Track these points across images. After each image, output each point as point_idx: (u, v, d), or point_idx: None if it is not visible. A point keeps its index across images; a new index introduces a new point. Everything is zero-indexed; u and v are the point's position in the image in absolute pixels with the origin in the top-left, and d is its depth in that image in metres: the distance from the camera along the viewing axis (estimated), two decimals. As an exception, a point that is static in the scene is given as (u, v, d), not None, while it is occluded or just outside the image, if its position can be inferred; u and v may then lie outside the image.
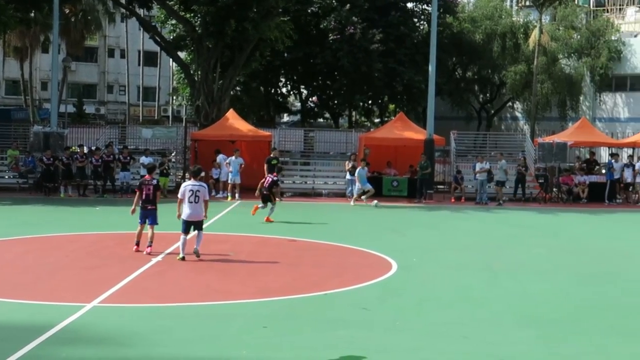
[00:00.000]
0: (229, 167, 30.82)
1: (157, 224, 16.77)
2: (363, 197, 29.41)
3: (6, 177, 34.22)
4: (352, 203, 29.39)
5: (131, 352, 9.28)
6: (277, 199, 23.74)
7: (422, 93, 41.06)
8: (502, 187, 31.86)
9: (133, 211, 16.89)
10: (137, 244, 16.70)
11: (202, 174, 17.10)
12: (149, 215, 16.72)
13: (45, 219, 23.89)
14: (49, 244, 18.29)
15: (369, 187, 29.60)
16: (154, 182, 17.07)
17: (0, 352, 8.93)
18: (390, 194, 32.64)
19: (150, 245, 16.35)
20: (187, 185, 16.14)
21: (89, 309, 11.33)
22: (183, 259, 15.58)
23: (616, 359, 9.52)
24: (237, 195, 30.28)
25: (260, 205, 22.87)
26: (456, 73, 53.08)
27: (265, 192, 22.66)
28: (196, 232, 16.08)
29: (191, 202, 15.87)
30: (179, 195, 16.09)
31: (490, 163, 32.50)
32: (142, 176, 31.32)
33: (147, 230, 16.62)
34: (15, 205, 27.61)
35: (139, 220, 16.81)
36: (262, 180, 23.17)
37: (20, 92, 66.95)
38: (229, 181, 31.07)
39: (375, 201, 29.17)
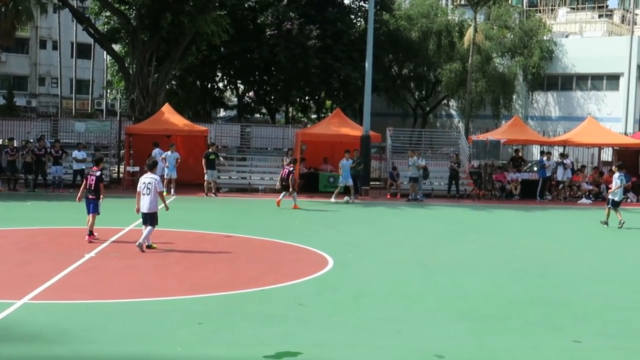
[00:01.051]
0: (165, 162, 30.45)
1: (98, 213, 17.43)
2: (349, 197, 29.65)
3: None
4: (332, 199, 29.71)
5: (63, 350, 9.12)
6: (295, 187, 26.72)
7: (359, 89, 41.25)
8: (415, 182, 32.07)
9: (79, 199, 18.15)
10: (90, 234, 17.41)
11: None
12: (90, 204, 17.39)
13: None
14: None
15: (350, 182, 29.81)
16: (98, 173, 17.55)
17: None
18: (326, 190, 32.73)
19: (90, 234, 17.12)
20: (142, 178, 16.66)
21: (19, 305, 11.11)
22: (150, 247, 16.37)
23: (546, 353, 9.73)
24: (172, 190, 29.93)
25: (282, 195, 26.44)
26: (392, 70, 53.53)
27: (284, 183, 26.36)
28: (146, 225, 16.34)
29: (144, 195, 16.32)
30: (138, 189, 16.59)
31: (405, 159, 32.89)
32: (75, 170, 31.11)
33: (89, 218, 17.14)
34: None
35: (86, 211, 17.53)
36: (280, 174, 27.12)
37: (-53, 83, 65.15)
38: (165, 176, 30.67)
39: (347, 197, 29.60)
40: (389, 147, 35.79)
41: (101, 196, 17.53)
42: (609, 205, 23.71)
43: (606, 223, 23.52)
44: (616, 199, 23.60)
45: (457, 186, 33.21)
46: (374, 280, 14.25)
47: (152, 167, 16.96)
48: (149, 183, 16.35)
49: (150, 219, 16.33)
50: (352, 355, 9.33)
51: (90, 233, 17.34)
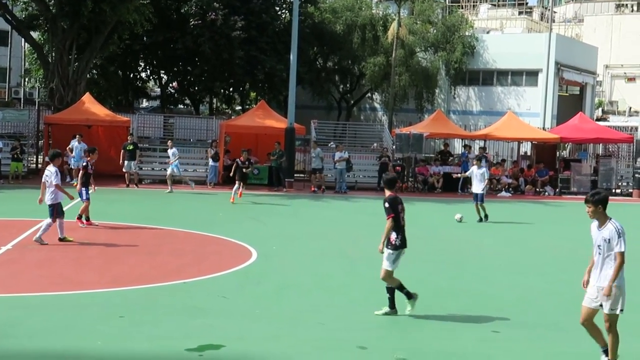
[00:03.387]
0: (72, 152, 29.88)
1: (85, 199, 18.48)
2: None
3: None
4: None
5: (-22, 345, 8.87)
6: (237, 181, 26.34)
7: (284, 82, 41.19)
8: (320, 174, 32.33)
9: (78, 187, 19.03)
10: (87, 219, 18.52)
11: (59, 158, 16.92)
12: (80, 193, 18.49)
13: None
14: None
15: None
16: (84, 162, 19.07)
17: None
18: (251, 181, 32.58)
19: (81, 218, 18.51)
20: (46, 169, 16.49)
21: None
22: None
23: (466, 343, 9.91)
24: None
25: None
26: (317, 63, 53.57)
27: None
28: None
29: (48, 187, 16.12)
30: (42, 179, 16.33)
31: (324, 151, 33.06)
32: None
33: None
34: None
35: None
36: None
37: None
38: (72, 166, 30.04)
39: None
40: (314, 140, 35.86)
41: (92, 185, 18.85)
42: (476, 202, 23.27)
43: (481, 219, 23.23)
44: (478, 192, 23.21)
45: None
46: (297, 272, 14.28)
47: (53, 158, 16.63)
48: (46, 175, 16.11)
49: (49, 211, 15.92)
50: (276, 348, 9.33)
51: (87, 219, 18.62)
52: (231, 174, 27.04)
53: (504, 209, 27.94)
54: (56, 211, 15.91)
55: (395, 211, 10.99)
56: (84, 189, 18.37)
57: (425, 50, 52.06)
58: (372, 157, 35.93)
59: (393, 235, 10.96)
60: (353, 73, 53.86)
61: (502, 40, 53.83)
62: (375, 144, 38.53)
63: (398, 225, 11.00)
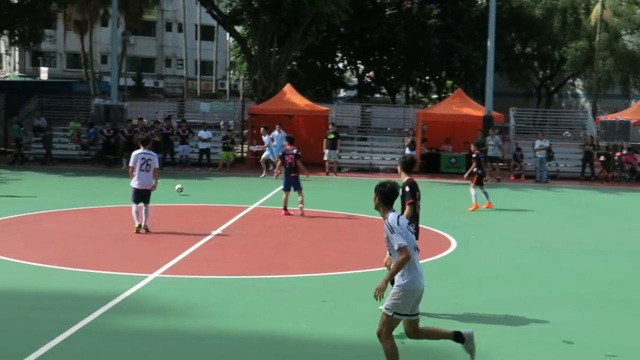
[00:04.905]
0: (273, 142, 30.87)
1: (301, 188, 18.53)
2: None
3: (69, 148, 34.83)
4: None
5: (191, 323, 9.42)
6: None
7: (480, 69, 40.52)
8: (496, 162, 31.16)
9: (277, 175, 19.94)
10: (285, 209, 18.49)
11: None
12: (292, 183, 18.52)
13: (106, 190, 24.29)
14: (111, 214, 18.62)
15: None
16: (294, 151, 18.68)
17: (68, 320, 9.16)
18: (447, 170, 32.43)
19: (301, 204, 18.49)
20: (139, 153, 15.99)
21: (151, 279, 11.54)
22: (139, 227, 15.63)
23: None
24: (266, 170, 30.37)
25: None
26: (515, 49, 52.23)
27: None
28: (143, 205, 15.89)
29: (142, 171, 15.84)
30: (131, 164, 16.04)
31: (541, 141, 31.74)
32: (201, 149, 32.00)
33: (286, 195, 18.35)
34: (78, 176, 28.15)
35: (283, 188, 18.65)
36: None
37: (81, 65, 67.96)
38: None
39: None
40: (512, 128, 35.05)
41: (305, 173, 19.01)
42: None
43: None
44: None
45: (592, 168, 32.06)
46: (496, 262, 14.04)
47: (146, 142, 16.62)
48: (149, 159, 15.89)
49: (147, 197, 15.91)
50: (476, 339, 9.21)
51: (301, 203, 18.55)
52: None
53: None
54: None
55: (414, 197, 10.34)
56: (297, 178, 18.73)
57: (631, 32, 49.33)
58: (574, 146, 34.54)
59: None
60: (553, 58, 52.06)
61: None
62: (567, 132, 37.09)
63: (414, 213, 10.33)
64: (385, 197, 7.76)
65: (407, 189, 10.27)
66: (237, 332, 9.13)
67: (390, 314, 7.41)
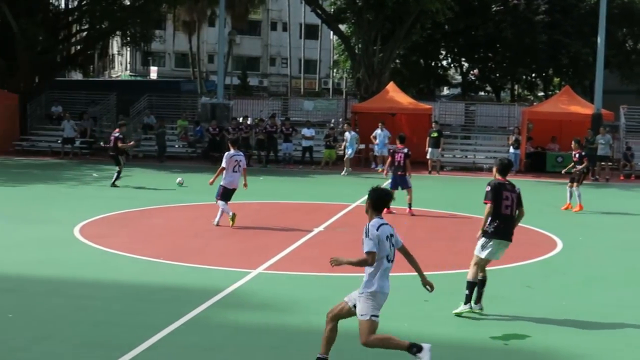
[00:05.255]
0: (375, 140, 30.87)
1: (409, 187, 18.54)
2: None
3: (176, 146, 35.72)
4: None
5: (293, 319, 9.53)
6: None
7: (589, 66, 39.42)
8: (605, 162, 29.97)
9: (386, 173, 20.08)
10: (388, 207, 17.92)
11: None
12: (399, 182, 18.49)
13: (211, 187, 24.68)
14: (216, 211, 18.94)
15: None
16: (405, 150, 18.69)
17: (174, 313, 9.41)
18: (554, 170, 31.65)
19: (409, 202, 18.47)
20: (233, 155, 16.48)
21: (254, 275, 11.72)
22: (235, 215, 16.06)
23: None
24: (379, 167, 30.44)
25: None
26: (626, 45, 50.51)
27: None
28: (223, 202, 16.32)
29: (235, 172, 16.36)
30: (223, 164, 16.39)
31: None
32: (304, 147, 32.29)
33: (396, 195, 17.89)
34: (184, 173, 28.81)
35: (390, 186, 18.27)
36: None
37: (189, 64, 69.70)
38: (376, 153, 31.20)
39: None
40: (623, 126, 33.94)
41: (408, 172, 18.68)
42: None
43: None
44: None
45: None
46: (605, 264, 13.64)
47: (235, 142, 17.30)
48: (240, 160, 16.50)
49: (231, 195, 16.42)
50: (581, 342, 8.99)
51: (410, 206, 18.53)
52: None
53: None
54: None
55: (495, 198, 9.93)
56: (406, 177, 18.69)
57: None
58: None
59: (488, 222, 9.96)
60: (667, 54, 50.11)
61: None
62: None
63: (497, 213, 9.91)
64: (374, 202, 7.80)
65: (487, 188, 10.08)
66: (341, 330, 9.15)
67: (368, 317, 7.52)
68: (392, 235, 7.69)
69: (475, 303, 9.97)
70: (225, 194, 16.37)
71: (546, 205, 21.93)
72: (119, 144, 23.36)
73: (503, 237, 10.03)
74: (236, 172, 16.37)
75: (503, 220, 9.96)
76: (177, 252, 13.42)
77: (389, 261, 7.62)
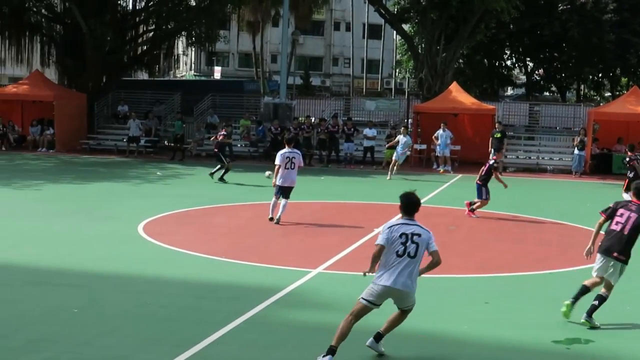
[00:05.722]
0: (437, 140, 30.66)
1: (484, 198, 18.41)
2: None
3: (238, 145, 35.99)
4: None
5: (354, 319, 9.52)
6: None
7: (659, 65, 38.62)
8: None
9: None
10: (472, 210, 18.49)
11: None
12: (478, 189, 18.50)
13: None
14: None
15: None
16: (491, 161, 18.75)
17: (234, 311, 9.53)
18: (620, 172, 30.97)
19: (475, 206, 18.45)
20: (284, 152, 16.68)
21: (314, 274, 11.78)
22: (271, 219, 16.38)
23: None
24: (442, 167, 30.22)
25: None
26: (698, 43, 49.26)
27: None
28: (282, 199, 16.49)
29: (287, 169, 16.50)
30: (277, 162, 16.63)
31: None
32: (365, 147, 32.23)
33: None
34: (246, 172, 29.05)
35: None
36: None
37: (252, 64, 70.16)
38: (438, 154, 30.96)
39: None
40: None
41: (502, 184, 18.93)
42: None
43: None
44: None
45: None
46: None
47: (291, 141, 17.36)
48: (293, 157, 16.61)
49: (288, 193, 16.57)
50: (648, 348, 8.81)
51: (472, 210, 18.47)
52: None
53: None
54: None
55: (609, 213, 9.71)
56: (484, 188, 18.47)
57: None
58: None
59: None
60: None
61: None
62: None
63: (609, 230, 9.67)
64: (402, 206, 8.32)
65: (611, 204, 9.90)
66: (395, 330, 9.14)
67: (359, 298, 8.21)
68: (414, 235, 8.14)
69: (589, 315, 9.54)
70: (278, 191, 16.53)
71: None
72: (219, 138, 25.01)
73: (607, 253, 9.72)
74: (288, 169, 16.54)
75: (613, 238, 9.68)
76: (239, 250, 13.56)
77: (398, 256, 8.05)
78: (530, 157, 34.55)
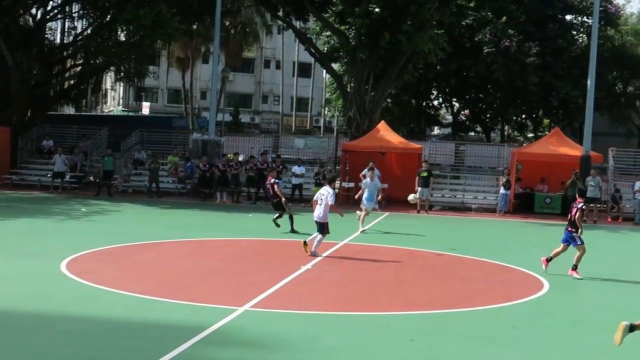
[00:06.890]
0: (365, 178, 30.60)
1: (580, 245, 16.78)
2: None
3: (166, 181, 35.70)
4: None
5: (278, 357, 9.51)
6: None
7: (579, 108, 39.84)
8: (594, 204, 30.05)
9: None
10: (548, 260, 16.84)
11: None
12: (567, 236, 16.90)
13: (201, 224, 24.80)
14: (205, 247, 18.99)
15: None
16: (579, 205, 16.86)
17: (158, 350, 9.37)
18: (542, 211, 31.81)
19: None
20: (321, 189, 18.51)
21: (241, 312, 11.69)
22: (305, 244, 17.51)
23: None
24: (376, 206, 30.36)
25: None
26: (616, 88, 51.12)
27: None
28: (317, 233, 17.63)
29: (319, 205, 17.73)
30: (314, 198, 18.23)
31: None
32: (294, 185, 32.32)
33: None
34: (174, 209, 28.85)
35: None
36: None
37: (181, 100, 69.97)
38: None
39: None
40: (611, 169, 34.18)
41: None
42: None
43: None
44: None
45: None
46: (593, 306, 13.67)
47: (331, 181, 18.79)
48: (322, 194, 17.81)
49: (320, 227, 17.63)
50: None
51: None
52: None
53: None
54: (325, 228, 17.64)
55: None
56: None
57: None
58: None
59: None
60: (657, 98, 50.72)
61: None
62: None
63: None
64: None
65: None
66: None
67: None
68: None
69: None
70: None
71: (532, 246, 22.00)
72: (276, 189, 22.58)
73: None
74: (319, 205, 17.71)
75: None
76: (165, 288, 13.38)
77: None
78: (455, 196, 35.14)
